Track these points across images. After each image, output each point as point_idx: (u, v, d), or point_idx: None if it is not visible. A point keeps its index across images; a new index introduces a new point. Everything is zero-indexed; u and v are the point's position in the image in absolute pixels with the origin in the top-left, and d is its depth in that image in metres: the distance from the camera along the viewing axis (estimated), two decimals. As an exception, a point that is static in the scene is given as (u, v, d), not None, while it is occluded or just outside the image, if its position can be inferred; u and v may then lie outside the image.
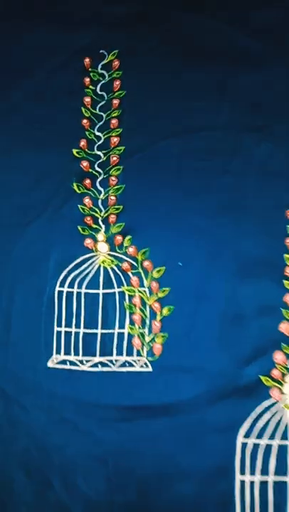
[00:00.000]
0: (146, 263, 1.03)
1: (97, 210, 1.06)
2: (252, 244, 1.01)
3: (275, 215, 1.01)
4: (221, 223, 1.02)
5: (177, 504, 0.95)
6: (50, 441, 1.00)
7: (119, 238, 1.04)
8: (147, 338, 1.01)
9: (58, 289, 1.04)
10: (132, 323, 1.02)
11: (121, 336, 1.02)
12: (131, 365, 1.00)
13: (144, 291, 1.02)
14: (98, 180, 1.07)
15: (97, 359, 1.01)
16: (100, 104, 1.10)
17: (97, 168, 1.08)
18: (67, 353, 1.02)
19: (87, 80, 1.11)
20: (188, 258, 1.02)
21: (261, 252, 1.01)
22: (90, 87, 1.11)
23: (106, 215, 1.06)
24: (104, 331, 1.02)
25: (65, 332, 1.02)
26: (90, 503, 0.98)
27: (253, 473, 0.93)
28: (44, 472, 0.99)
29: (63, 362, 1.02)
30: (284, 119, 1.06)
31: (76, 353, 1.02)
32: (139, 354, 1.01)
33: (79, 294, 1.03)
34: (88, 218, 1.06)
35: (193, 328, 1.00)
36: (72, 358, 1.02)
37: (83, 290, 1.03)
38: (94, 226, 1.05)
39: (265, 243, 1.01)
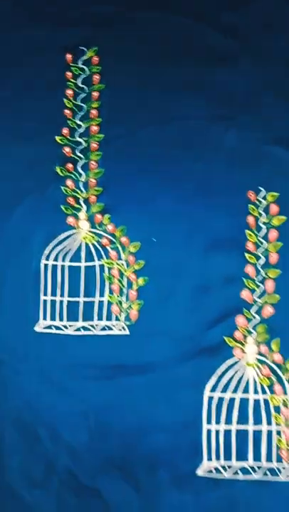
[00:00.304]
0: (123, 239, 1.08)
1: (78, 191, 1.11)
2: (219, 223, 1.07)
3: (238, 196, 1.07)
4: (192, 204, 1.08)
5: (152, 452, 1.01)
6: (38, 398, 1.05)
7: (99, 217, 1.09)
8: (125, 305, 1.06)
9: (43, 262, 1.08)
10: (111, 292, 1.07)
11: (101, 303, 1.07)
12: (110, 329, 1.06)
13: (122, 263, 1.08)
14: (79, 164, 1.12)
15: (79, 324, 1.06)
16: (81, 96, 1.14)
17: (78, 154, 1.12)
18: (52, 319, 1.07)
19: (69, 74, 1.15)
20: (161, 235, 1.08)
21: (226, 229, 1.06)
22: (72, 80, 1.15)
23: (87, 196, 1.10)
24: (86, 299, 1.07)
25: (51, 301, 1.07)
26: (74, 453, 1.03)
27: (218, 423, 1.00)
28: (33, 427, 1.04)
29: (49, 327, 1.06)
30: (250, 110, 1.11)
31: (61, 319, 1.07)
32: (117, 319, 1.06)
33: (63, 266, 1.08)
34: (70, 199, 1.10)
35: (166, 296, 1.05)
36: (57, 323, 1.07)
37: (67, 263, 1.08)
38: (76, 206, 1.10)
39: (230, 221, 1.07)
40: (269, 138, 1.10)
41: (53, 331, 1.07)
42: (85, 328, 1.07)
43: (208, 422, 1.01)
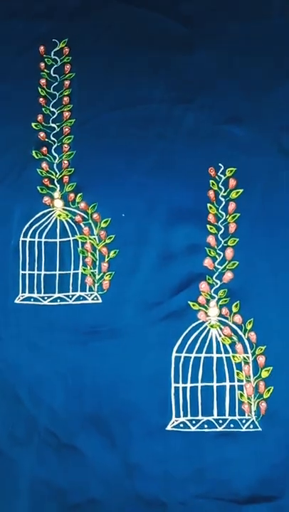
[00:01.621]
0: (95, 215, 1.13)
1: (52, 172, 1.15)
2: (182, 197, 1.11)
3: (200, 172, 1.12)
4: (157, 180, 1.12)
5: (125, 409, 1.06)
6: (19, 362, 1.09)
7: (71, 195, 1.14)
8: (97, 277, 1.11)
9: (21, 239, 1.12)
10: (84, 265, 1.12)
11: (76, 275, 1.11)
12: (84, 298, 1.10)
13: (94, 238, 1.12)
14: (53, 147, 1.16)
15: (56, 295, 1.11)
16: (54, 85, 1.18)
17: (52, 138, 1.16)
18: (31, 291, 1.11)
19: (42, 64, 1.19)
20: (130, 210, 1.12)
21: (189, 203, 1.11)
22: (45, 70, 1.19)
23: (60, 176, 1.15)
24: (61, 272, 1.11)
25: (29, 274, 1.12)
26: (53, 413, 1.07)
27: (185, 381, 1.06)
28: (14, 389, 1.09)
29: (28, 299, 1.11)
30: (206, 92, 1.15)
31: (39, 291, 1.11)
32: (91, 290, 1.11)
33: (40, 242, 1.12)
34: (45, 180, 1.14)
35: (134, 266, 1.10)
36: (35, 295, 1.11)
37: (43, 239, 1.12)
38: (50, 186, 1.14)
39: (193, 195, 1.11)
40: (225, 117, 1.14)
41: (32, 302, 1.11)
42: (61, 299, 1.11)
43: (176, 380, 1.06)
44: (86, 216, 1.14)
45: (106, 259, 1.12)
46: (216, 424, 1.05)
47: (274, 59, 1.16)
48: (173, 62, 1.17)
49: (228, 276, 1.09)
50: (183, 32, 1.18)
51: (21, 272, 1.13)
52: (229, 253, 1.10)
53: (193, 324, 1.08)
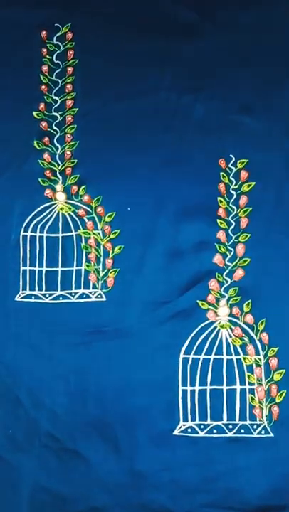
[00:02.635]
0: (99, 209, 1.08)
1: (55, 164, 1.10)
2: (191, 191, 1.06)
3: (209, 164, 1.07)
4: (164, 173, 1.07)
5: (130, 413, 1.02)
6: (19, 364, 1.05)
7: (74, 188, 1.09)
8: (101, 273, 1.06)
9: (22, 233, 1.08)
10: (88, 261, 1.07)
11: (78, 272, 1.07)
12: (88, 296, 1.06)
13: (98, 233, 1.07)
14: (55, 137, 1.11)
15: (58, 292, 1.06)
16: (56, 72, 1.14)
17: (54, 128, 1.11)
18: (32, 288, 1.07)
19: (45, 50, 1.14)
20: (135, 204, 1.07)
21: (198, 196, 1.06)
22: (47, 57, 1.14)
23: (63, 168, 1.10)
24: (64, 269, 1.07)
25: (30, 270, 1.07)
26: (55, 416, 1.03)
27: (193, 383, 1.01)
28: (14, 392, 1.04)
29: (29, 296, 1.06)
30: (216, 81, 1.10)
31: (40, 288, 1.07)
32: (94, 287, 1.06)
33: (41, 237, 1.08)
34: (47, 171, 1.10)
35: (141, 263, 1.05)
36: (36, 292, 1.07)
37: (45, 234, 1.08)
38: (52, 178, 1.10)
39: (202, 189, 1.06)
40: (236, 107, 1.10)
41: (33, 300, 1.07)
42: (63, 297, 1.07)
43: (184, 383, 1.02)
44: (90, 210, 1.09)
45: (110, 255, 1.07)
46: (226, 429, 1.01)
47: (286, 48, 1.12)
48: (181, 50, 1.13)
49: (239, 273, 1.04)
50: (193, 18, 1.14)
51: (22, 268, 1.09)
52: (240, 249, 1.05)
53: (202, 324, 1.04)
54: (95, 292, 1.06)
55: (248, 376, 1.01)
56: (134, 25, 1.14)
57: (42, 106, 1.13)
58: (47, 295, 1.07)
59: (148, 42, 1.13)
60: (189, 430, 1.01)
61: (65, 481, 1.03)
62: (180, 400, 1.02)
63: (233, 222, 1.05)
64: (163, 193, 1.08)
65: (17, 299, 1.07)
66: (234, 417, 1.01)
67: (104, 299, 1.06)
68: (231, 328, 1.03)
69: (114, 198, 1.09)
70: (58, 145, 1.12)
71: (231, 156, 1.07)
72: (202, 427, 1.01)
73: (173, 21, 1.14)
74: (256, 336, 1.02)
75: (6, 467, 1.04)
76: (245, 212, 1.06)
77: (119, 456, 1.02)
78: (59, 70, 1.14)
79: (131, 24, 1.14)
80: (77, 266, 1.08)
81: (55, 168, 1.11)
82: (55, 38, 1.16)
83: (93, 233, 1.08)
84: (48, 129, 1.13)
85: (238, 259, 1.05)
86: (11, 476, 1.04)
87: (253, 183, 1.06)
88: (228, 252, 1.05)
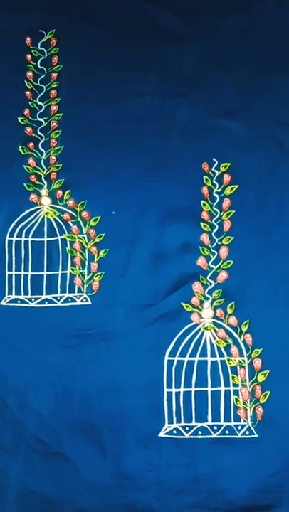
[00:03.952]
0: (84, 213, 1.07)
1: (40, 168, 1.09)
2: (174, 194, 1.06)
3: (193, 168, 1.06)
4: (148, 177, 1.06)
5: (116, 415, 1.01)
6: (5, 368, 1.03)
7: (59, 192, 1.08)
8: (87, 277, 1.05)
9: (7, 238, 1.07)
10: (73, 265, 1.06)
11: (64, 276, 1.06)
12: (73, 300, 1.05)
13: (83, 237, 1.06)
14: (40, 143, 1.10)
15: (43, 297, 1.05)
16: (41, 78, 1.12)
17: (39, 133, 1.10)
18: (18, 293, 1.06)
19: (29, 56, 1.13)
20: (120, 208, 1.06)
21: (182, 199, 1.05)
22: (32, 63, 1.13)
23: (48, 172, 1.09)
24: (49, 273, 1.06)
25: (16, 275, 1.06)
26: (42, 419, 1.02)
27: (178, 385, 1.00)
28: (1, 395, 1.03)
29: (15, 300, 1.05)
30: (199, 85, 1.09)
31: (26, 293, 1.06)
32: (80, 291, 1.05)
33: (26, 242, 1.07)
34: (32, 176, 1.09)
35: (125, 266, 1.04)
36: (22, 297, 1.05)
37: (30, 239, 1.07)
38: (37, 183, 1.09)
39: (186, 192, 1.06)
40: (219, 111, 1.09)
41: (18, 304, 1.06)
42: (49, 301, 1.06)
43: (169, 385, 1.01)
44: (75, 214, 1.08)
45: (95, 259, 1.06)
46: (211, 430, 1.00)
47: (270, 53, 1.11)
48: (165, 55, 1.12)
49: (223, 276, 1.03)
50: (176, 23, 1.13)
51: (7, 272, 1.07)
52: (224, 252, 1.04)
53: (187, 326, 1.03)
54: (80, 296, 1.05)
55: (233, 377, 1.01)
56: (118, 30, 1.13)
57: (27, 111, 1.12)
58: (32, 299, 1.06)
59: (132, 47, 1.12)
60: (175, 432, 1.00)
61: (52, 484, 1.01)
62: (165, 402, 1.01)
63: (217, 225, 1.05)
64: (147, 196, 1.07)
65: (3, 303, 1.06)
66: (219, 419, 1.00)
67: (89, 302, 1.05)
68: (215, 330, 1.02)
69: (99, 202, 1.08)
70: (42, 150, 1.10)
71: (214, 159, 1.07)
72: (187, 428, 1.00)
73: (157, 26, 1.13)
74: (240, 337, 1.02)
75: (-7, 470, 1.02)
76: (228, 215, 1.05)
77: (105, 458, 1.01)
78: (43, 76, 1.13)
79: (115, 30, 1.13)
80: (62, 270, 1.07)
81: (40, 173, 1.10)
82: (39, 44, 1.14)
83: (78, 237, 1.07)
84: (33, 135, 1.11)
85: (221, 261, 1.04)
86: (-2, 479, 1.02)
87: (236, 187, 1.05)
88: (211, 255, 1.04)
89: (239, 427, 1.00)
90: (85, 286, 1.06)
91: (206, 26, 1.13)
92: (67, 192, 1.09)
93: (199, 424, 1.00)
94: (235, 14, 1.12)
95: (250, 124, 1.09)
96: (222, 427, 1.00)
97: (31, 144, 1.11)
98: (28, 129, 1.11)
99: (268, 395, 1.00)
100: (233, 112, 1.09)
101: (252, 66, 1.11)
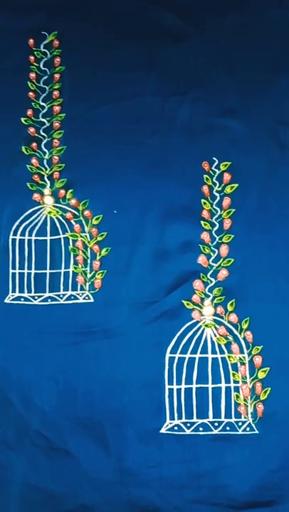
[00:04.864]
0: (86, 212, 1.07)
1: (42, 168, 1.09)
2: (176, 193, 1.06)
3: (194, 167, 1.06)
4: (150, 176, 1.06)
5: (118, 411, 1.00)
6: (8, 365, 1.03)
7: (62, 192, 1.08)
8: (89, 275, 1.05)
9: (11, 237, 1.07)
10: (75, 263, 1.06)
11: (66, 274, 1.06)
12: (76, 298, 1.05)
13: (86, 236, 1.06)
14: (43, 143, 1.10)
15: (46, 294, 1.05)
16: (44, 79, 1.13)
17: (42, 133, 1.10)
18: (21, 291, 1.06)
19: (32, 58, 1.13)
20: (122, 207, 1.06)
21: (183, 198, 1.05)
22: (35, 63, 1.13)
23: (50, 172, 1.09)
24: (52, 271, 1.06)
25: (19, 273, 1.06)
26: (45, 416, 1.02)
27: (179, 382, 1.00)
28: (5, 392, 1.03)
29: (18, 298, 1.05)
30: (200, 85, 1.10)
31: (29, 291, 1.06)
32: (82, 289, 1.05)
33: (30, 240, 1.07)
34: (35, 176, 1.09)
35: (127, 264, 1.04)
36: (25, 294, 1.06)
37: (33, 237, 1.07)
38: (40, 182, 1.09)
39: (186, 191, 1.06)
40: (219, 110, 1.09)
41: (22, 302, 1.06)
42: (52, 298, 1.06)
43: (170, 382, 1.01)
44: (77, 213, 1.08)
45: (98, 257, 1.06)
46: (212, 426, 1.00)
47: (270, 52, 1.11)
48: (166, 55, 1.12)
49: (223, 273, 1.03)
50: (176, 23, 1.13)
51: (11, 270, 1.07)
52: (224, 250, 1.04)
53: (188, 324, 1.02)
54: (82, 294, 1.05)
55: (233, 374, 1.00)
56: (120, 31, 1.14)
57: (30, 112, 1.12)
58: (36, 297, 1.06)
59: (133, 48, 1.13)
60: (176, 428, 1.00)
61: (55, 480, 1.01)
62: (167, 399, 1.00)
63: (217, 224, 1.05)
64: (148, 195, 1.07)
65: (6, 301, 1.06)
66: (220, 415, 1.00)
67: (92, 300, 1.05)
68: (216, 328, 1.02)
69: (101, 201, 1.08)
70: (45, 150, 1.11)
71: (214, 158, 1.06)
72: (188, 425, 1.00)
73: (158, 26, 1.13)
74: (240, 334, 1.01)
75: (-3, 466, 1.02)
76: (229, 213, 1.05)
77: (107, 454, 1.01)
78: (46, 77, 1.14)
79: (116, 30, 1.14)
80: (65, 268, 1.07)
81: (42, 173, 1.10)
82: (42, 46, 1.15)
83: (81, 236, 1.07)
84: (36, 135, 1.12)
85: (221, 259, 1.04)
86: (1, 475, 1.02)
87: (236, 185, 1.05)
88: (212, 253, 1.04)
89: (240, 424, 0.99)
90: (88, 284, 1.06)
91: (206, 26, 1.13)
92: (70, 191, 1.09)
93: (200, 421, 1.00)
94: (235, 14, 1.13)
95: (251, 123, 1.08)
96: (223, 424, 0.99)
97: (34, 144, 1.11)
98: (31, 130, 1.12)
99: (268, 392, 1.00)
100: (233, 111, 1.09)
101: (252, 65, 1.11)
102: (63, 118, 1.12)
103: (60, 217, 1.08)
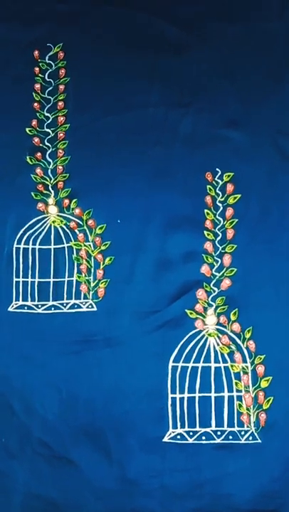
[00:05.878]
0: (90, 222, 1.07)
1: (47, 178, 1.09)
2: (179, 203, 1.05)
3: (197, 177, 1.06)
4: (153, 186, 1.06)
5: (121, 420, 1.00)
6: (11, 373, 1.03)
7: (66, 201, 1.08)
8: (92, 284, 1.05)
9: (15, 246, 1.07)
10: (79, 272, 1.06)
11: (70, 283, 1.05)
12: (79, 306, 1.04)
13: (89, 245, 1.06)
14: (47, 153, 1.10)
15: (50, 303, 1.05)
16: (48, 89, 1.13)
17: (46, 143, 1.10)
18: (25, 299, 1.06)
19: (37, 69, 1.13)
20: (125, 217, 1.06)
21: (186, 208, 1.05)
22: (40, 75, 1.13)
23: (55, 182, 1.09)
24: (56, 280, 1.06)
25: (23, 282, 1.06)
26: (47, 424, 1.01)
27: (182, 391, 0.99)
28: (7, 400, 1.03)
29: (22, 307, 1.05)
30: (203, 96, 1.09)
31: (32, 299, 1.05)
32: (85, 297, 1.05)
33: (34, 249, 1.07)
34: (40, 185, 1.09)
35: (131, 274, 1.04)
36: (29, 303, 1.05)
37: (37, 246, 1.07)
38: (45, 192, 1.09)
39: (189, 201, 1.05)
40: (222, 121, 1.08)
41: (26, 310, 1.06)
42: (55, 307, 1.05)
43: (173, 391, 1.00)
44: (81, 222, 1.08)
45: (101, 266, 1.06)
46: (214, 435, 0.99)
47: (271, 62, 1.11)
48: (169, 66, 1.12)
49: (226, 283, 1.03)
50: (179, 35, 1.13)
51: (15, 279, 1.07)
52: (227, 260, 1.03)
53: (191, 333, 1.02)
54: (86, 302, 1.05)
55: (236, 383, 1.00)
56: (123, 42, 1.14)
57: (34, 122, 1.12)
58: (39, 305, 1.06)
59: (136, 58, 1.12)
60: (178, 437, 0.99)
61: (57, 488, 1.01)
62: (169, 408, 1.00)
63: (220, 234, 1.04)
64: (152, 205, 1.07)
65: (10, 309, 1.06)
66: (222, 424, 0.99)
67: (95, 308, 1.05)
68: (219, 337, 1.02)
69: (105, 210, 1.07)
70: (50, 160, 1.11)
71: (217, 169, 1.06)
72: (191, 433, 0.99)
73: (161, 37, 1.13)
74: (243, 343, 1.01)
75: (-1, 475, 1.01)
76: (232, 223, 1.05)
77: (110, 463, 1.00)
78: (51, 88, 1.14)
79: (120, 41, 1.14)
80: (68, 277, 1.06)
81: (47, 183, 1.10)
82: (47, 57, 1.15)
83: (84, 245, 1.07)
84: (41, 145, 1.11)
85: (224, 269, 1.03)
86: (4, 483, 1.02)
87: (239, 196, 1.05)
88: (215, 263, 1.04)
89: (242, 433, 0.99)
90: (91, 292, 1.05)
91: (208, 36, 1.13)
92: (74, 201, 1.09)
93: (203, 430, 0.99)
94: (237, 24, 1.12)
95: (252, 133, 1.08)
96: (225, 433, 0.99)
97: (39, 154, 1.11)
98: (36, 140, 1.12)
99: (270, 401, 0.99)
100: (235, 121, 1.08)
101: (254, 75, 1.11)
102: (68, 128, 1.12)
103: (64, 227, 1.08)
